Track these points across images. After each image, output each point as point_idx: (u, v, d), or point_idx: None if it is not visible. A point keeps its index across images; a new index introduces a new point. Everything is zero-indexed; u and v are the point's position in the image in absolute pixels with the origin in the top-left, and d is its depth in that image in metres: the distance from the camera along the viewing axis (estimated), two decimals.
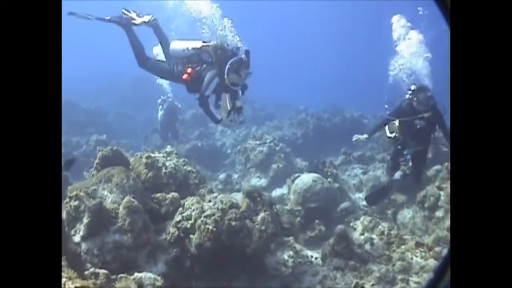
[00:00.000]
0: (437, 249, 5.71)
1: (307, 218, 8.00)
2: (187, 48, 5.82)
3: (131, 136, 16.07)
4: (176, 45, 5.92)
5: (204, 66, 5.74)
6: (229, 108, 5.74)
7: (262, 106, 19.37)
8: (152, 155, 6.34)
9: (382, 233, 6.01)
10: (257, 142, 11.61)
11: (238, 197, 5.67)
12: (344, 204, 8.51)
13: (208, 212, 5.30)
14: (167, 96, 12.69)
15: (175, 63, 5.94)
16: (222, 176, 10.81)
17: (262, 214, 5.44)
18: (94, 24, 6.18)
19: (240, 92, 5.81)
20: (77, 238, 5.05)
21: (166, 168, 6.26)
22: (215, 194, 5.68)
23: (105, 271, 4.40)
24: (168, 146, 7.73)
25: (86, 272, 4.29)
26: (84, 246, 4.99)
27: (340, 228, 5.69)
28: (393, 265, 5.52)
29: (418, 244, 5.69)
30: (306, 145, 14.16)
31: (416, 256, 5.57)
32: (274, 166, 11.00)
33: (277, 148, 11.45)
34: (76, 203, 5.18)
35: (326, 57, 40.22)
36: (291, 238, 6.99)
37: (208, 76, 5.57)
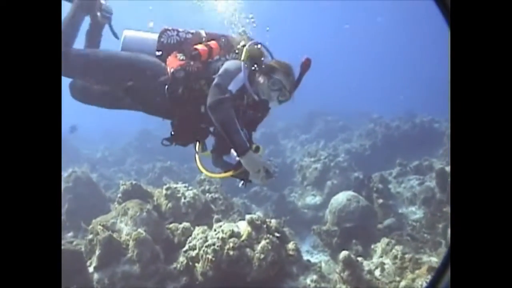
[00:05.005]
0: None
1: (344, 238, 7.72)
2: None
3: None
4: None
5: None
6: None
7: (337, 118, 18.93)
8: (173, 185, 6.69)
9: (396, 257, 5.55)
10: (312, 159, 11.44)
11: (242, 225, 5.71)
12: (388, 221, 8.03)
13: (209, 242, 5.44)
14: None
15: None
16: (275, 197, 10.81)
17: (262, 242, 5.42)
18: None
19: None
20: (91, 269, 5.55)
21: (185, 198, 6.56)
22: (220, 223, 5.79)
23: None
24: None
25: None
26: (96, 276, 5.46)
27: (344, 254, 5.40)
28: None
29: (430, 269, 5.15)
30: (374, 157, 13.54)
31: (427, 282, 5.05)
32: (329, 183, 10.73)
33: (332, 164, 11.15)
34: (91, 236, 5.70)
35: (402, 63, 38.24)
36: (319, 261, 6.78)
37: (229, 65, 2.78)
